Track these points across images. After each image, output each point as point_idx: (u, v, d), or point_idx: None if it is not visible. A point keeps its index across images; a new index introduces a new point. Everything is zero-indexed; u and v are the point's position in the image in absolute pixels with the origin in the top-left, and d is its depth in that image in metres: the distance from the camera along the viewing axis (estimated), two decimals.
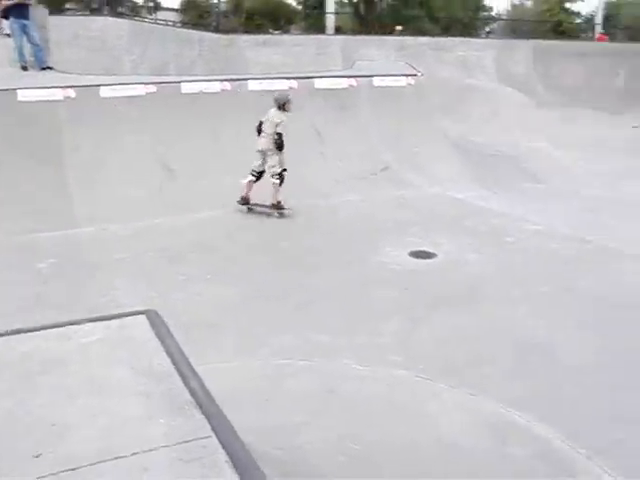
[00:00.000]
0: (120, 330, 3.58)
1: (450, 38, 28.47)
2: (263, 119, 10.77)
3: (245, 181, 10.95)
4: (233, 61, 19.41)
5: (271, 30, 31.21)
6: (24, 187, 10.50)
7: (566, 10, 47.27)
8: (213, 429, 2.64)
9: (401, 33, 28.64)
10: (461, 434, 5.12)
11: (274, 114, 10.69)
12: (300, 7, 38.77)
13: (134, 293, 7.62)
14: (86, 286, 7.90)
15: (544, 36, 34.86)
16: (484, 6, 45.72)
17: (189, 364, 3.10)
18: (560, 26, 42.36)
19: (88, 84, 11.97)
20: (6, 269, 8.44)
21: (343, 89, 13.66)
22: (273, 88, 12.93)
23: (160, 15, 36.24)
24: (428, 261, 9.02)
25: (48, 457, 2.58)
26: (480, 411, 5.46)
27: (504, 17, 45.81)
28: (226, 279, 8.21)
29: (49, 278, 8.20)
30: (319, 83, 13.58)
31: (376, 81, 13.97)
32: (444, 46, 26.12)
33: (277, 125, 10.57)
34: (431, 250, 9.36)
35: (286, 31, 32.97)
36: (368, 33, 28.52)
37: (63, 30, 14.75)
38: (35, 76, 13.05)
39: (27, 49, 13.94)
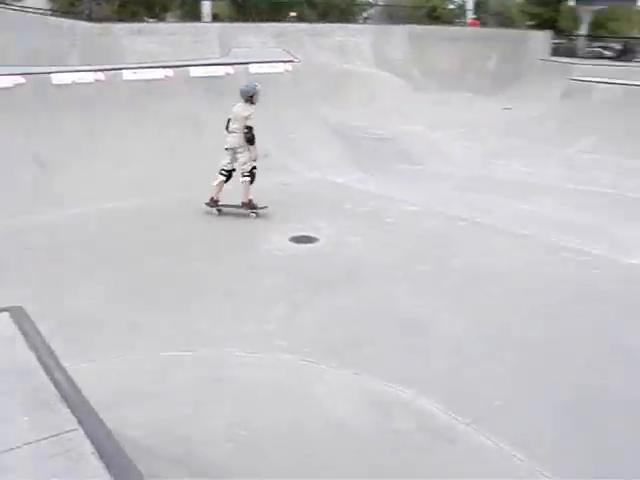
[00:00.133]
0: None
1: (328, 24, 28.82)
2: (231, 116, 10.21)
3: (215, 182, 10.39)
4: (109, 50, 18.97)
5: (146, 18, 30.52)
6: None
7: None
8: (79, 421, 2.59)
9: (290, 19, 28.82)
10: (347, 413, 5.25)
11: (241, 108, 10.18)
12: None
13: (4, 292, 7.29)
14: None
15: (420, 21, 35.76)
16: None
17: (55, 358, 3.03)
18: (435, 11, 43.53)
19: None
20: None
21: (220, 77, 13.52)
22: (148, 77, 12.70)
23: (29, 2, 34.68)
24: (309, 245, 9.11)
25: None
26: (364, 390, 5.61)
27: (381, 3, 46.57)
28: (103, 275, 7.98)
29: None
30: (195, 71, 13.37)
31: (253, 68, 13.92)
32: (322, 32, 26.43)
33: (246, 119, 10.07)
34: (312, 235, 9.45)
35: (162, 19, 32.35)
36: (245, 20, 28.38)
37: None
38: None
39: None
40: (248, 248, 8.98)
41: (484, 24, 37.30)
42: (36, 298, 6.55)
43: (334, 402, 5.40)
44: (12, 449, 2.45)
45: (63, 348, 3.71)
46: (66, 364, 3.18)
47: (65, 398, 2.73)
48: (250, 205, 10.39)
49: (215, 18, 29.92)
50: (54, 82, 11.99)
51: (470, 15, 38.02)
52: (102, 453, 2.37)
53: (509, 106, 23.04)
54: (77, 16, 25.11)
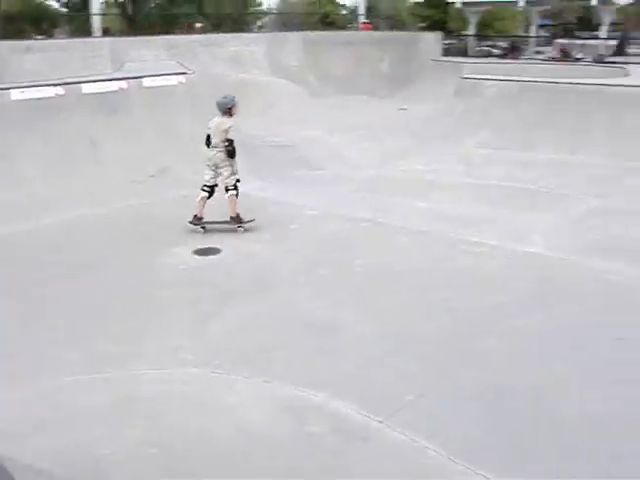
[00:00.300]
0: None
1: (222, 34, 28.80)
2: (209, 131, 9.90)
3: (198, 198, 10.01)
4: None
5: (34, 35, 29.70)
6: None
7: (333, 2, 49.34)
8: None
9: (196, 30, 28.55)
10: (259, 421, 5.27)
11: (220, 122, 9.86)
12: (63, 9, 37.30)
13: None
14: None
15: (313, 27, 36.18)
16: (254, 1, 46.53)
17: None
18: (328, 17, 44.12)
19: None
20: None
21: (113, 92, 13.29)
22: (38, 96, 12.35)
23: None
24: (213, 257, 9.07)
25: None
26: (276, 397, 5.63)
27: (274, 11, 46.83)
28: None
29: None
30: (87, 88, 13.08)
31: (146, 82, 13.75)
32: (216, 42, 26.35)
33: (226, 132, 9.77)
34: (216, 246, 9.41)
35: (50, 35, 31.53)
36: (137, 34, 28.00)
37: None
38: None
39: None
40: (150, 264, 8.79)
41: (376, 28, 38.03)
42: None
43: (245, 411, 5.41)
44: None
45: None
46: None
47: None
48: (238, 219, 10.13)
49: (106, 32, 29.36)
50: None
51: (362, 19, 38.66)
52: None
53: (405, 107, 23.58)
54: None
